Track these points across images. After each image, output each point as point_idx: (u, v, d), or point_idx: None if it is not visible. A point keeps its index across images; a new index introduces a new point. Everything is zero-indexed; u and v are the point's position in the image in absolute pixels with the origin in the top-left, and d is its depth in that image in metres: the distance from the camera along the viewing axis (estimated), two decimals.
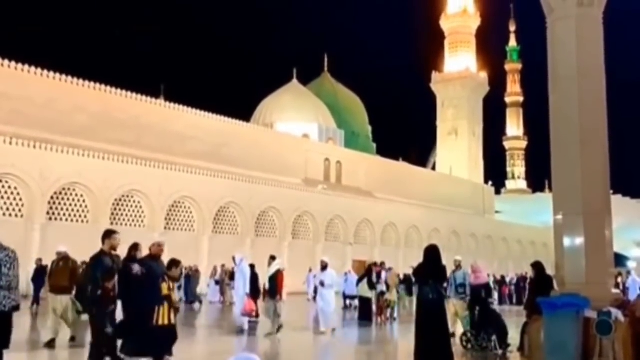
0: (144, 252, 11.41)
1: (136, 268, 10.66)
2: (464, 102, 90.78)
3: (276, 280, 16.67)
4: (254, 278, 18.19)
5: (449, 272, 14.45)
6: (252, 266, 18.49)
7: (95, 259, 10.15)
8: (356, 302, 24.96)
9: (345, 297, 27.90)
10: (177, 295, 26.62)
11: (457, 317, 15.58)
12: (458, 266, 15.84)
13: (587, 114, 9.83)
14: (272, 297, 16.59)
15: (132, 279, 10.51)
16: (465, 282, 15.26)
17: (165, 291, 10.48)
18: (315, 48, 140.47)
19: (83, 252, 31.55)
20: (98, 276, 9.96)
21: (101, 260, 10.10)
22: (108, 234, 10.46)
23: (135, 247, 11.24)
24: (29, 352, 12.59)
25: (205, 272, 33.22)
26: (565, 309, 9.10)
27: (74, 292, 13.79)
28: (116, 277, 10.26)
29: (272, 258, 17.81)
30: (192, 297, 28.73)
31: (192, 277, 29.66)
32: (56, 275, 13.67)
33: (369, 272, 22.36)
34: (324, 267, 18.41)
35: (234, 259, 18.35)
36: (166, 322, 10.38)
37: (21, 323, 15.82)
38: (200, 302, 28.52)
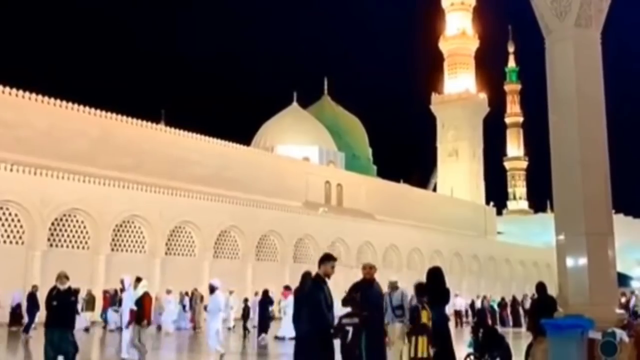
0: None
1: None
2: (464, 123, 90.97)
3: (143, 303, 15.10)
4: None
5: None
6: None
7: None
8: None
9: None
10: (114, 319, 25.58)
11: (393, 343, 13.51)
12: (394, 287, 14.10)
13: (587, 134, 9.82)
14: (138, 323, 15.06)
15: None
16: (402, 303, 13.58)
17: (424, 319, 9.87)
18: (315, 71, 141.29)
19: (84, 278, 31.61)
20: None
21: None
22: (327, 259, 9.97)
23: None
24: None
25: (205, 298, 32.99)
26: (569, 330, 9.02)
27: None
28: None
29: (138, 280, 15.82)
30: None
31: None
32: None
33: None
34: (212, 290, 16.72)
35: (122, 281, 17.04)
36: (425, 355, 9.78)
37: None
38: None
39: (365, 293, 10.60)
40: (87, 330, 26.43)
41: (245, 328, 26.35)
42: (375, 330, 10.56)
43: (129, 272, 33.22)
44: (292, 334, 22.84)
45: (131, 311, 15.13)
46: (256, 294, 31.05)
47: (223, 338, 17.06)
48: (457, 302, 37.62)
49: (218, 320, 16.84)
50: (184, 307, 30.38)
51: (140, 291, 15.32)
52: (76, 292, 13.05)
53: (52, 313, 12.12)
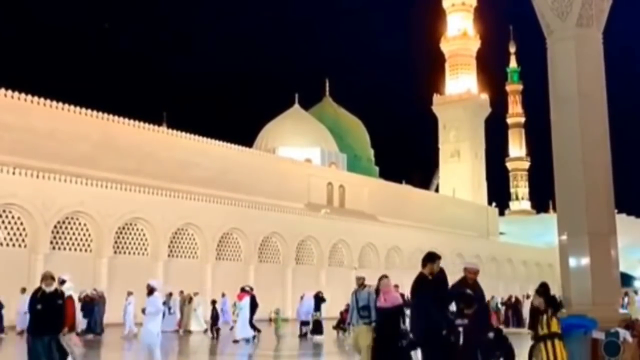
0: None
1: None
2: (466, 124, 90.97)
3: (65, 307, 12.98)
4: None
5: (349, 293, 13.05)
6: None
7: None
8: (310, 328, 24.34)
9: (300, 323, 26.26)
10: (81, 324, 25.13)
11: (359, 346, 12.30)
12: (361, 285, 12.77)
13: (589, 133, 9.83)
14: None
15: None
16: (369, 303, 12.21)
17: (554, 328, 8.84)
18: (316, 73, 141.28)
19: (87, 281, 31.58)
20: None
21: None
22: (432, 258, 9.42)
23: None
24: None
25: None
26: (572, 331, 9.03)
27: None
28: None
29: (62, 282, 13.77)
30: (95, 326, 25.92)
31: (98, 304, 26.46)
32: None
33: None
34: (150, 291, 15.73)
35: (60, 281, 15.68)
36: None
37: None
38: (100, 333, 26.03)
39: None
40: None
41: (213, 330, 26.07)
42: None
43: (132, 275, 33.47)
44: (248, 335, 22.78)
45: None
46: (223, 295, 30.65)
47: (160, 341, 16.23)
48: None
49: (157, 323, 15.97)
50: (169, 309, 29.22)
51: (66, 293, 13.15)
52: (63, 294, 11.49)
53: (37, 318, 10.88)
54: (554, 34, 10.20)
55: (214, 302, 28.38)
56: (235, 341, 22.90)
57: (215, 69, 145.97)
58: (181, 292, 30.77)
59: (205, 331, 28.42)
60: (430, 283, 9.12)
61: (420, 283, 9.18)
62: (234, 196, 42.42)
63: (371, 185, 60.03)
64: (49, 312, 10.80)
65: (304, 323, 25.71)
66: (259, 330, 23.92)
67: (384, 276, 12.09)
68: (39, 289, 10.98)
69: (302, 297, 28.00)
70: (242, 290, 24.69)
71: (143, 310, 15.96)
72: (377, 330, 11.92)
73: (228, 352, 21.74)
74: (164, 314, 28.49)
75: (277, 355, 21.75)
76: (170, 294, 29.89)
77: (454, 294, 9.36)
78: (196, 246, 39.10)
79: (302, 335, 25.39)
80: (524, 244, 73.57)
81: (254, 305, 24.03)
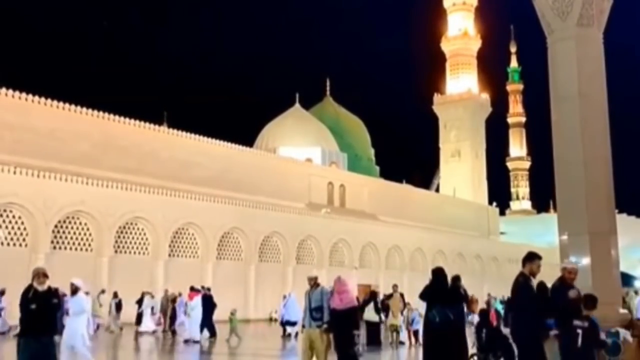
0: None
1: (573, 293, 8.83)
2: (466, 124, 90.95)
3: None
4: None
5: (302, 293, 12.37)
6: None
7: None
8: (296, 329, 23.55)
9: (283, 323, 25.56)
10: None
11: (312, 351, 11.29)
12: (314, 284, 11.66)
13: (590, 133, 9.84)
14: None
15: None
16: (322, 304, 11.27)
17: None
18: (316, 72, 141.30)
19: (87, 281, 31.50)
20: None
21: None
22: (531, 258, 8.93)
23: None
24: None
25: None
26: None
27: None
28: None
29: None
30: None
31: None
32: None
33: (373, 297, 22.35)
34: (75, 290, 14.50)
35: None
36: None
37: None
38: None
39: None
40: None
41: (168, 331, 25.52)
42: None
43: (133, 274, 33.47)
44: (197, 336, 22.34)
45: None
46: (180, 294, 28.97)
47: (89, 342, 15.73)
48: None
49: (82, 324, 14.94)
50: (152, 308, 28.98)
51: None
52: (57, 292, 10.51)
53: (30, 319, 9.81)
54: (554, 34, 10.20)
55: (173, 302, 28.09)
56: (186, 341, 22.67)
57: (216, 68, 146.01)
58: (165, 291, 30.60)
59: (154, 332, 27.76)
60: (532, 285, 8.63)
61: (522, 285, 8.66)
62: (234, 196, 42.42)
63: (372, 185, 60.00)
64: (44, 311, 9.85)
65: (289, 323, 25.16)
66: (212, 334, 23.60)
67: (340, 277, 11.83)
68: (30, 287, 10.00)
69: (284, 297, 27.65)
70: (192, 289, 24.41)
71: (66, 311, 14.93)
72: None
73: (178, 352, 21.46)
74: (152, 309, 28.34)
75: (274, 355, 21.71)
76: (152, 296, 29.26)
77: (563, 297, 8.69)
78: (197, 246, 39.10)
79: (286, 336, 24.97)
80: (525, 244, 73.35)
81: (211, 306, 23.82)
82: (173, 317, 27.15)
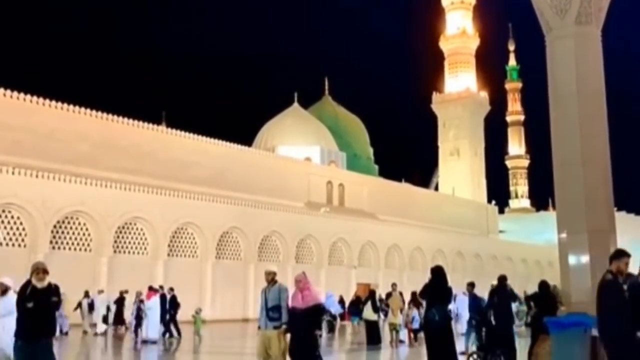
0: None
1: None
2: (465, 122, 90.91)
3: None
4: None
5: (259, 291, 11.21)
6: None
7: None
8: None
9: None
10: None
11: (269, 353, 10.16)
12: (271, 281, 10.47)
13: (588, 131, 9.83)
14: None
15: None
16: (280, 303, 10.18)
17: None
18: (315, 71, 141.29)
19: (86, 280, 31.60)
20: None
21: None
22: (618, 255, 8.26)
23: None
24: None
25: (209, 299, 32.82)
26: (572, 328, 9.03)
27: None
28: None
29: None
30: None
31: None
32: None
33: (372, 296, 22.34)
34: (4, 291, 12.98)
35: None
36: None
37: None
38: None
39: None
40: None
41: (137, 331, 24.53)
42: None
43: (132, 274, 33.43)
44: (155, 336, 22.23)
45: None
46: (140, 294, 26.53)
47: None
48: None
49: (12, 325, 14.63)
50: (108, 309, 28.44)
51: None
52: (57, 289, 9.71)
53: (28, 319, 8.81)
54: (553, 32, 10.19)
55: (141, 301, 27.88)
56: (144, 342, 22.39)
57: (215, 68, 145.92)
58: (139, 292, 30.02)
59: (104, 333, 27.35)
60: (621, 284, 8.03)
61: (609, 284, 8.03)
62: (233, 195, 42.42)
63: (371, 184, 60.02)
64: (43, 311, 8.91)
65: None
66: (172, 334, 23.40)
67: (303, 272, 10.97)
68: (28, 283, 9.04)
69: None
70: (150, 289, 24.22)
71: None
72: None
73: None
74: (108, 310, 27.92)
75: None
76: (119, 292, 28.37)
77: None
78: (196, 245, 39.10)
79: None
80: (524, 242, 73.56)
81: (174, 306, 23.79)
82: (140, 317, 26.84)
